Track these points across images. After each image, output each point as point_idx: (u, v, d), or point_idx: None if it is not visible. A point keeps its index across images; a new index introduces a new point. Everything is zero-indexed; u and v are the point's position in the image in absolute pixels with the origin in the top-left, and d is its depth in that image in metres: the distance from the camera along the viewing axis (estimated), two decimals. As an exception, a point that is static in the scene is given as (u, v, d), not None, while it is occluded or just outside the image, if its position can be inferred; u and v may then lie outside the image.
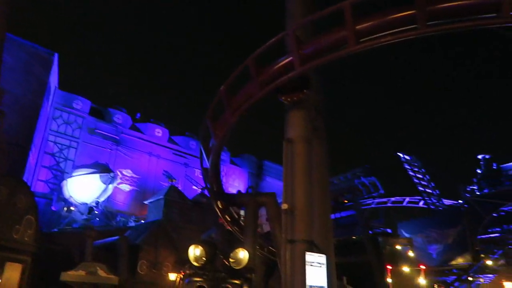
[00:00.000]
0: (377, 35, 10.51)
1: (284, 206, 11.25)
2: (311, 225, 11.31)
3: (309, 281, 10.29)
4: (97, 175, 36.84)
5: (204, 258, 10.05)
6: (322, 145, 14.17)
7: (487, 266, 32.60)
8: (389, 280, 26.69)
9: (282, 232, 11.29)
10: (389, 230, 39.57)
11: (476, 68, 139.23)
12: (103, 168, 38.02)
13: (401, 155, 43.43)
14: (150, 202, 34.28)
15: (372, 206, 44.34)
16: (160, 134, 51.02)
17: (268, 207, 17.31)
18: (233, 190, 44.70)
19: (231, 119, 13.25)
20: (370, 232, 35.40)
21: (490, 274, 32.28)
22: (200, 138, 16.76)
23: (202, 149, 16.39)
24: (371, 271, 29.74)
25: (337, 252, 18.05)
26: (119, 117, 47.83)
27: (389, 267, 27.82)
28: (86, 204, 37.17)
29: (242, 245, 11.50)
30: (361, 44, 10.62)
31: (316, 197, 12.69)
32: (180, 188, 41.14)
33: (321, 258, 10.81)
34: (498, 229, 36.62)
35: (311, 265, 10.47)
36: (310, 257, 10.55)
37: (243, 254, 10.12)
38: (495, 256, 33.70)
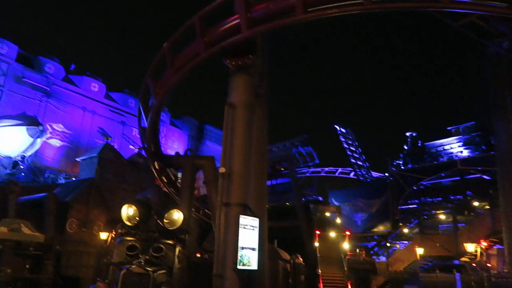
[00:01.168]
0: (325, 6, 10.57)
1: (222, 169, 11.32)
2: (247, 190, 11.54)
3: (241, 242, 10.60)
4: (23, 128, 34.23)
5: (137, 218, 9.94)
6: (264, 112, 14.27)
7: (403, 234, 35.84)
8: (316, 244, 28.31)
9: (218, 195, 11.41)
10: (320, 198, 41.71)
11: (413, 52, 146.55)
12: (30, 121, 35.36)
13: (337, 127, 45.36)
14: (83, 160, 32.72)
15: (307, 174, 46.27)
16: (96, 89, 48.20)
17: (206, 170, 17.34)
18: (171, 152, 44.02)
19: (173, 78, 12.83)
20: (303, 199, 37.05)
21: (406, 240, 35.53)
22: (140, 95, 16.09)
23: (141, 107, 15.80)
24: (301, 236, 31.32)
25: (271, 216, 18.72)
26: (51, 66, 44.19)
27: (317, 232, 29.45)
28: (10, 157, 34.62)
29: (178, 207, 11.51)
30: (309, 13, 10.63)
31: (253, 163, 12.90)
32: (116, 147, 39.64)
33: (255, 222, 11.14)
34: (416, 201, 40.17)
35: (244, 228, 10.76)
36: (244, 220, 10.82)
37: (177, 215, 10.15)
38: (411, 225, 37.11)
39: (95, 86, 48.27)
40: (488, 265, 29.96)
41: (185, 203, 15.69)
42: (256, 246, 11.03)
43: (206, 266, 12.64)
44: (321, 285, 24.28)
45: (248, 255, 10.71)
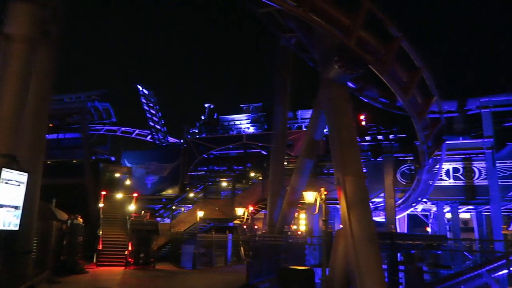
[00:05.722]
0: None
1: (-16, 112, 9.36)
2: (16, 139, 9.89)
3: (1, 200, 9.12)
4: None
5: None
6: (51, 54, 12.46)
7: (189, 198, 38.27)
8: (101, 204, 27.27)
9: (-24, 142, 9.42)
10: (113, 158, 40.14)
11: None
12: None
13: (140, 87, 44.10)
14: None
15: (101, 132, 43.60)
16: None
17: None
18: None
19: None
20: (93, 157, 34.86)
21: (190, 204, 38.00)
22: None
23: None
24: (85, 195, 29.68)
25: (53, 173, 16.86)
26: None
27: (104, 192, 28.32)
28: None
29: None
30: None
31: (31, 110, 11.19)
32: None
33: (22, 177, 9.72)
34: (204, 168, 43.30)
35: (7, 183, 9.27)
36: (7, 174, 9.29)
37: None
38: (197, 190, 39.88)
39: None
40: (256, 227, 35.25)
41: None
42: (20, 204, 9.69)
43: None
44: (101, 245, 23.66)
45: (8, 214, 9.31)
